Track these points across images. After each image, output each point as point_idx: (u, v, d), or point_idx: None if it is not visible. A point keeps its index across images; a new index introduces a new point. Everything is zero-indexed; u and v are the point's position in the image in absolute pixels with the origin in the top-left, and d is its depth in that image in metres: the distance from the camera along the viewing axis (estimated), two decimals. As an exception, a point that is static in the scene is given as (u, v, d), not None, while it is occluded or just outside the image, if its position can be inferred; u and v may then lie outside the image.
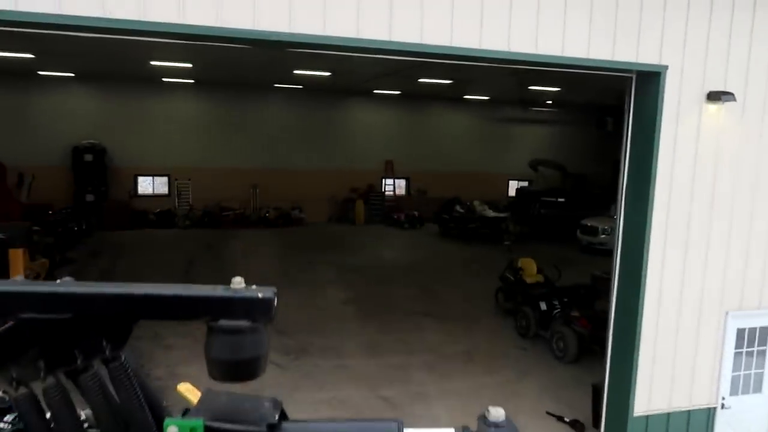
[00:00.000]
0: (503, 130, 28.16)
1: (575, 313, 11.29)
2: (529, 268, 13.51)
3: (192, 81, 22.51)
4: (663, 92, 6.81)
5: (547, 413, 9.05)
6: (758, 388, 7.97)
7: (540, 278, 13.29)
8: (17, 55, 15.34)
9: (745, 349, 7.79)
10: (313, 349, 11.17)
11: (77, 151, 22.13)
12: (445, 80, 19.27)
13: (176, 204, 24.20)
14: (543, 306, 11.92)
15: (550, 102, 26.40)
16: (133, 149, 23.11)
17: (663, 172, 7.00)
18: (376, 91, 24.23)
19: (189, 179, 24.14)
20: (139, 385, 1.37)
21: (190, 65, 17.32)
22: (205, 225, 23.44)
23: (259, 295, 1.25)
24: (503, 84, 19.36)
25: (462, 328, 12.65)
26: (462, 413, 9.07)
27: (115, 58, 15.60)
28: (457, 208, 24.18)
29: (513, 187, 28.41)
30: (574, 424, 8.74)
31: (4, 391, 1.31)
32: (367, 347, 11.46)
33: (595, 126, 25.85)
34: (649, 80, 6.92)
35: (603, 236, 19.81)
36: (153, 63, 16.60)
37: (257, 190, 24.62)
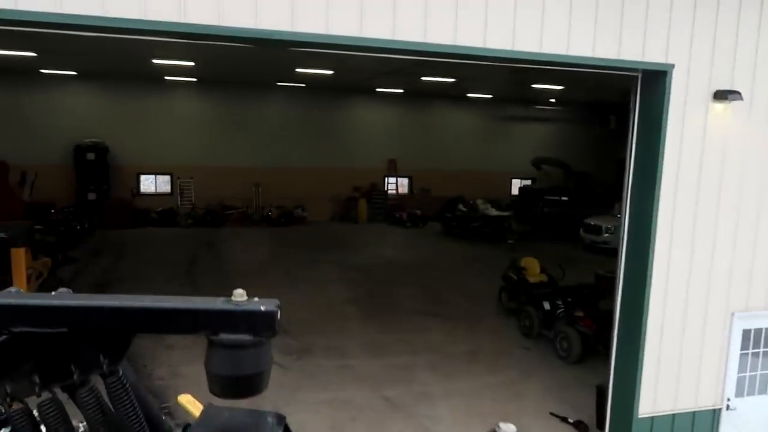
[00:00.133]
0: (506, 128, 28.10)
1: (579, 313, 11.24)
2: (533, 268, 13.46)
3: (194, 79, 22.48)
4: (669, 91, 6.74)
5: (551, 414, 9.01)
6: (764, 390, 7.91)
7: (543, 278, 13.23)
8: (19, 53, 15.33)
9: (750, 351, 7.73)
10: (315, 348, 11.14)
11: (79, 150, 22.12)
12: (448, 78, 19.21)
13: (179, 202, 24.19)
14: (546, 306, 11.87)
15: (553, 100, 26.33)
16: (135, 147, 23.10)
17: (669, 172, 6.94)
18: (378, 90, 24.19)
19: (191, 178, 24.13)
20: (138, 400, 1.33)
21: (192, 63, 17.29)
22: (208, 224, 23.43)
23: (262, 308, 1.21)
24: (505, 82, 19.32)
25: (465, 328, 12.62)
26: (466, 413, 9.04)
27: (117, 56, 15.58)
28: (460, 206, 24.12)
29: (516, 185, 28.36)
30: (577, 425, 8.69)
31: (-3, 406, 1.27)
32: (370, 347, 11.43)
33: (598, 124, 25.80)
34: (655, 79, 6.86)
35: (606, 235, 19.75)
36: (155, 61, 16.58)
37: (260, 189, 24.60)
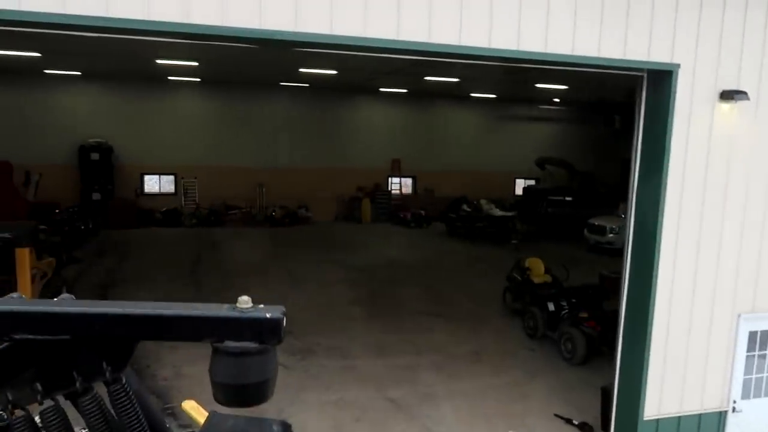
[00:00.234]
0: (510, 128, 28.04)
1: (583, 314, 11.20)
2: (537, 268, 13.42)
3: (198, 79, 22.49)
4: (675, 91, 6.71)
5: (556, 416, 8.97)
6: (770, 392, 7.87)
7: (548, 278, 13.20)
8: (23, 53, 15.35)
9: (757, 352, 7.69)
10: (319, 349, 11.12)
11: (84, 150, 22.15)
12: (451, 78, 19.17)
13: (182, 202, 24.20)
14: (551, 306, 11.82)
15: (557, 99, 26.26)
16: (139, 148, 23.12)
17: (675, 172, 6.90)
18: (382, 90, 24.16)
19: (195, 178, 24.15)
20: (141, 407, 1.31)
21: (195, 63, 17.30)
22: (212, 224, 23.45)
23: (267, 315, 1.19)
24: (508, 82, 19.27)
25: (469, 329, 12.58)
26: (470, 414, 9.02)
27: (121, 56, 15.59)
28: (464, 207, 24.09)
29: (520, 185, 28.30)
30: (582, 426, 8.65)
31: (-1, 413, 1.25)
32: (373, 347, 11.40)
33: (602, 124, 25.72)
34: (661, 79, 6.82)
35: (611, 235, 19.69)
36: (159, 61, 16.58)
37: (263, 189, 24.60)
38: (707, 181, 7.08)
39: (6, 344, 1.21)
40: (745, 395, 7.71)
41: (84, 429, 1.33)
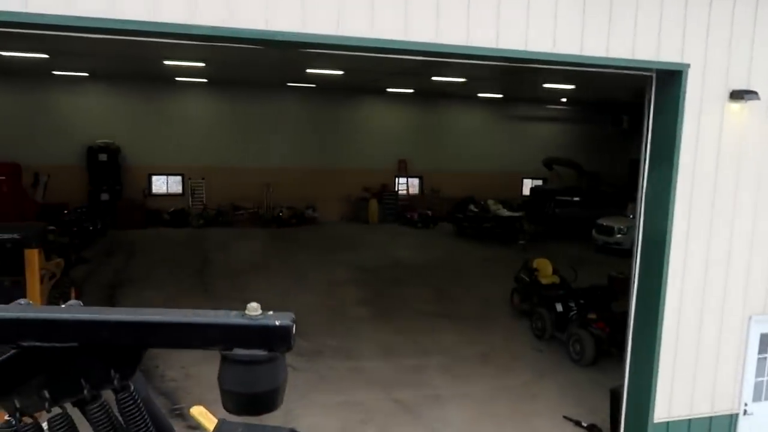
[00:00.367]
0: (517, 128, 27.95)
1: (592, 315, 11.14)
2: (545, 269, 13.36)
3: (205, 80, 22.54)
4: (684, 91, 6.65)
5: (564, 417, 8.93)
6: (782, 394, 7.79)
7: (556, 279, 13.14)
8: (31, 55, 15.43)
9: (768, 354, 7.62)
10: (327, 350, 11.11)
11: (92, 151, 22.25)
12: (459, 78, 19.12)
13: (190, 203, 24.27)
14: (559, 307, 11.76)
15: (564, 99, 26.16)
16: (147, 148, 23.21)
17: (684, 173, 6.84)
18: (389, 90, 24.14)
19: (203, 178, 24.20)
20: (150, 415, 1.30)
21: (203, 65, 17.33)
22: (219, 224, 23.50)
23: (277, 322, 1.17)
24: (514, 82, 19.20)
25: (477, 330, 12.54)
26: (477, 416, 8.98)
27: (129, 57, 15.64)
28: (471, 207, 24.03)
29: (527, 185, 28.21)
30: (591, 429, 8.61)
31: (6, 420, 1.25)
32: (381, 349, 11.39)
33: (611, 123, 25.59)
34: (670, 79, 6.77)
35: (619, 236, 19.60)
36: (166, 62, 16.63)
37: (270, 189, 24.63)
38: (717, 181, 7.02)
39: (13, 351, 1.20)
40: (757, 398, 7.64)
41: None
